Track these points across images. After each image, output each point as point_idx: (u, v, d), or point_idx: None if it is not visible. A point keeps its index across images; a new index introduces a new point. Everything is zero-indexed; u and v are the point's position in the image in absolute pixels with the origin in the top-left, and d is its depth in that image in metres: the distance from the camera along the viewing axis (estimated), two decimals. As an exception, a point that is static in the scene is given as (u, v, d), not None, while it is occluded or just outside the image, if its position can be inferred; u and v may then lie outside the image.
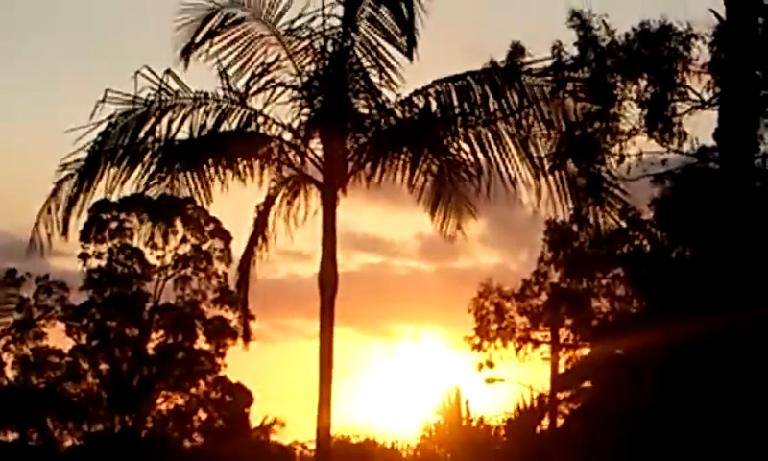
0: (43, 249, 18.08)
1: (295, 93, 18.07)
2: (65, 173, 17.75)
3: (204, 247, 59.44)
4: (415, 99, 17.72)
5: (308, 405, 18.01)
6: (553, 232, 39.93)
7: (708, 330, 24.87)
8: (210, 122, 17.81)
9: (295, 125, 18.10)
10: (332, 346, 17.76)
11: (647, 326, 28.53)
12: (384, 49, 17.96)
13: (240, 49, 18.14)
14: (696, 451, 25.52)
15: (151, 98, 17.61)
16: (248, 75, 18.03)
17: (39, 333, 59.32)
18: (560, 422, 42.87)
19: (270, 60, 18.14)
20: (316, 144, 18.18)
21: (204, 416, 59.92)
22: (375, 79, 18.03)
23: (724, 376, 25.43)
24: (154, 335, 59.29)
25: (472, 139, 17.36)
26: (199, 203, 19.03)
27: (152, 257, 59.25)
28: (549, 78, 17.76)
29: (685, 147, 29.72)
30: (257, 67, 18.05)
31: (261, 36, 18.21)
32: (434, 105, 17.52)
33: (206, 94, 17.91)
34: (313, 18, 17.94)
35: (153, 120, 17.65)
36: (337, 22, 17.96)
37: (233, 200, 18.88)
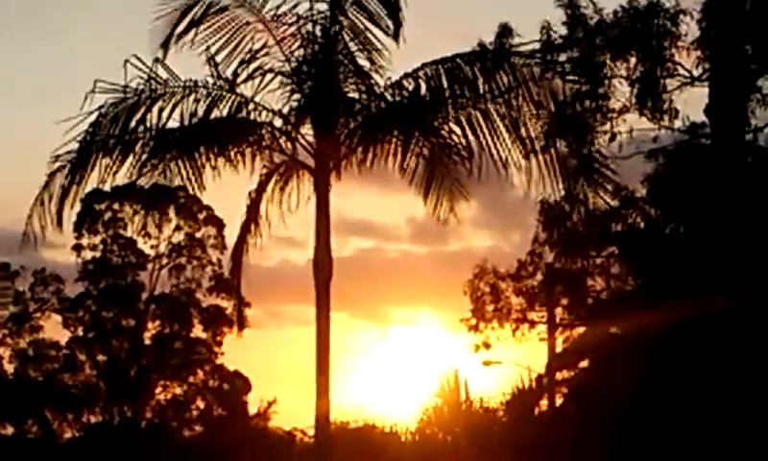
0: (37, 241, 18.10)
1: (284, 79, 18.09)
2: (57, 165, 17.75)
3: (198, 235, 59.51)
4: (404, 82, 17.71)
5: (306, 391, 18.05)
6: (546, 212, 39.90)
7: (703, 307, 24.92)
8: (201, 110, 17.79)
9: (285, 111, 18.13)
10: (329, 331, 17.78)
11: (641, 303, 28.59)
12: (372, 33, 18.01)
13: (227, 36, 18.11)
14: (690, 429, 25.59)
15: (141, 87, 17.63)
16: (236, 62, 18.05)
17: (36, 326, 59.40)
18: (559, 402, 42.91)
19: (257, 46, 18.14)
20: (307, 130, 18.21)
21: (202, 405, 60.02)
22: (364, 63, 18.08)
23: (718, 353, 25.49)
24: (150, 325, 59.38)
25: (463, 121, 17.36)
26: (191, 191, 18.99)
27: (146, 247, 59.38)
28: (538, 58, 17.79)
29: (677, 124, 29.74)
30: (245, 54, 18.05)
31: (248, 23, 18.21)
32: (424, 87, 17.52)
33: (196, 82, 17.88)
34: (298, 3, 17.99)
35: (143, 109, 17.63)
36: (324, 6, 18.00)
37: (226, 187, 18.91)
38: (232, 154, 18.13)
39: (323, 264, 17.85)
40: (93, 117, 17.47)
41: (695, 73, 29.19)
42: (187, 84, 17.86)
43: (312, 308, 17.87)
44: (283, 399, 60.84)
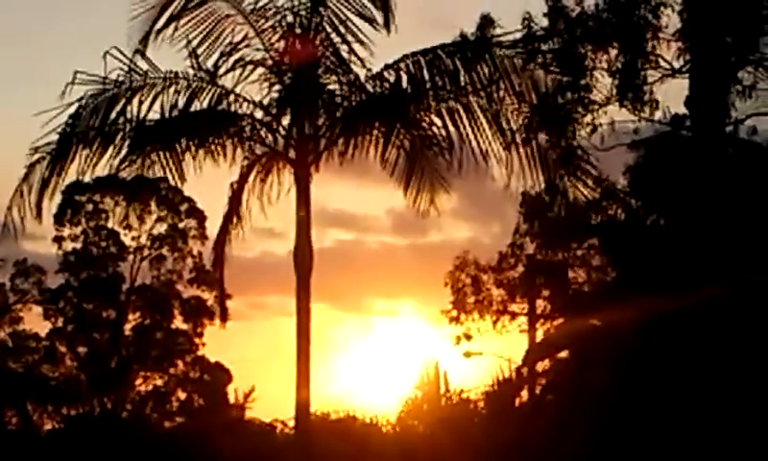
0: (17, 233, 18.06)
1: (265, 71, 18.07)
2: (37, 156, 17.72)
3: (180, 226, 59.35)
4: (385, 73, 17.74)
5: (287, 383, 18.07)
6: (527, 204, 39.89)
7: (683, 299, 24.94)
8: (181, 101, 17.80)
9: (266, 102, 18.12)
10: (309, 322, 17.83)
11: (621, 295, 28.59)
12: (353, 24, 17.99)
13: (207, 29, 18.11)
14: (669, 420, 25.63)
15: (121, 79, 17.59)
16: (217, 54, 18.04)
17: (16, 318, 59.20)
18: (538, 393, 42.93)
19: (238, 38, 18.16)
20: (288, 121, 18.19)
21: (183, 396, 59.92)
22: (346, 54, 18.06)
23: (698, 345, 25.53)
24: (131, 316, 59.21)
25: (444, 113, 17.40)
26: (172, 182, 19.00)
27: (127, 238, 59.16)
28: (520, 49, 17.81)
29: (657, 115, 29.72)
30: (226, 46, 18.05)
31: (228, 15, 18.19)
32: (405, 79, 17.54)
33: (176, 74, 17.89)
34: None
35: (123, 101, 17.63)
36: (305, -1, 17.97)
37: (208, 179, 18.90)
38: (213, 145, 18.13)
39: (303, 255, 17.87)
40: (73, 108, 17.46)
41: (676, 65, 29.22)
42: (168, 75, 17.86)
43: (293, 299, 17.89)
44: (264, 390, 60.78)
